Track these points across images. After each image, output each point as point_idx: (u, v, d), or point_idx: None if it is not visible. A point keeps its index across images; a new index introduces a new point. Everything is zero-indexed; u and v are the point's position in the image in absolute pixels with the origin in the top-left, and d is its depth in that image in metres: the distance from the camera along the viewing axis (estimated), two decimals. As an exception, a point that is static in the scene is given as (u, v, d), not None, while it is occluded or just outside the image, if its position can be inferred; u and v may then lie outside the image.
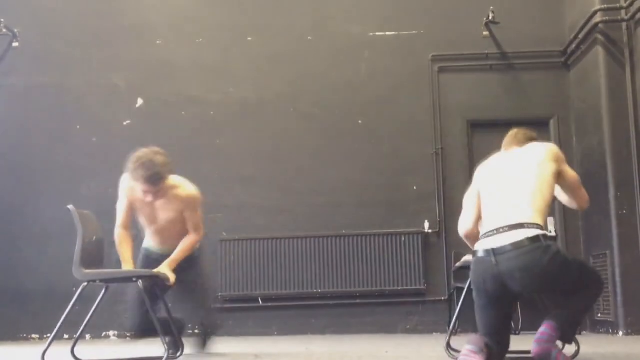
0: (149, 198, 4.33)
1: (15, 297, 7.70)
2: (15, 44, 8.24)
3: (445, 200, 7.84)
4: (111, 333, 7.64)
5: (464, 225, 3.79)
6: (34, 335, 7.72)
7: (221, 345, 6.09)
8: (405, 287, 7.67)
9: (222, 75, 8.30)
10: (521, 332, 7.17)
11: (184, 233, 4.64)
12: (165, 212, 4.56)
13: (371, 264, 7.72)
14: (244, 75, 8.32)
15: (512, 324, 3.58)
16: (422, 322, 7.66)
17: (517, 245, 3.30)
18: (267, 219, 7.93)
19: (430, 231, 7.79)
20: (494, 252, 3.34)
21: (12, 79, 8.19)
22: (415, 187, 7.94)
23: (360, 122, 8.16)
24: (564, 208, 7.79)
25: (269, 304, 7.74)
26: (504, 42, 8.06)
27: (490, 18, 7.96)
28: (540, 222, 3.39)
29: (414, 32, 8.24)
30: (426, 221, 7.82)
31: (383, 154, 8.05)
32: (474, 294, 3.53)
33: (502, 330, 3.45)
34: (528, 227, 3.34)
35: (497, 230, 3.39)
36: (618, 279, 6.75)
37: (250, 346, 5.79)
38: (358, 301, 7.71)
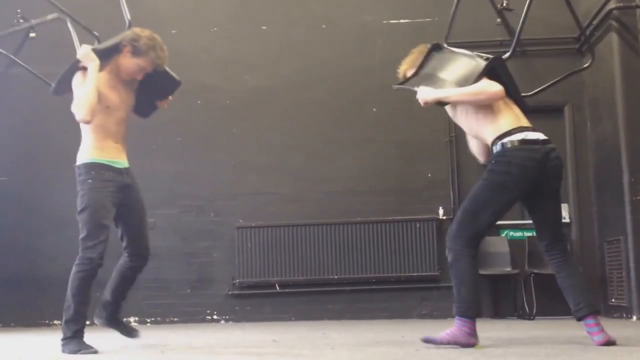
0: (140, 77, 4.26)
1: (37, 285, 7.84)
2: (32, 35, 8.31)
3: (459, 187, 7.89)
4: (132, 319, 7.76)
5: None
6: (56, 322, 7.84)
7: (239, 330, 6.20)
8: (420, 273, 7.74)
9: (237, 64, 8.35)
10: (536, 317, 7.23)
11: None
12: (130, 95, 4.43)
13: (386, 250, 7.79)
14: (259, 63, 8.37)
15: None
16: (437, 308, 7.74)
17: (551, 141, 3.85)
18: (283, 206, 8.01)
19: (444, 217, 7.85)
20: (544, 141, 3.81)
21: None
22: (429, 174, 7.99)
23: (374, 110, 8.20)
24: (578, 194, 7.82)
25: (286, 290, 7.84)
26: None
27: (504, 5, 7.96)
28: None
29: (428, 19, 8.26)
30: (440, 208, 7.87)
31: (397, 142, 8.09)
32: (511, 178, 3.80)
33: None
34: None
35: (527, 128, 3.86)
36: (632, 264, 6.78)
37: (267, 331, 5.88)
38: (374, 287, 7.79)
